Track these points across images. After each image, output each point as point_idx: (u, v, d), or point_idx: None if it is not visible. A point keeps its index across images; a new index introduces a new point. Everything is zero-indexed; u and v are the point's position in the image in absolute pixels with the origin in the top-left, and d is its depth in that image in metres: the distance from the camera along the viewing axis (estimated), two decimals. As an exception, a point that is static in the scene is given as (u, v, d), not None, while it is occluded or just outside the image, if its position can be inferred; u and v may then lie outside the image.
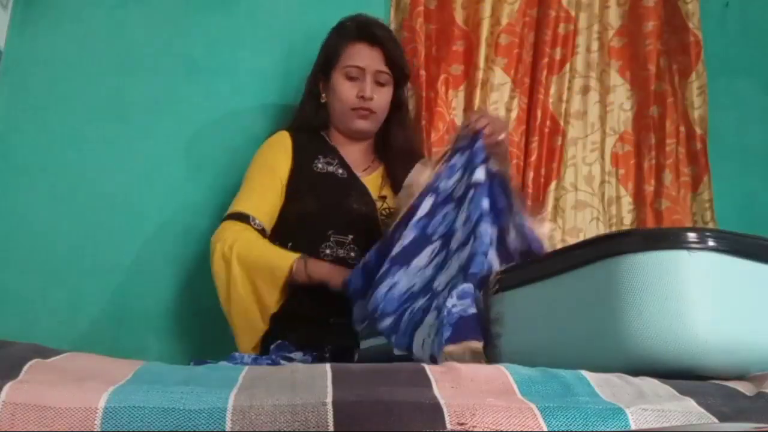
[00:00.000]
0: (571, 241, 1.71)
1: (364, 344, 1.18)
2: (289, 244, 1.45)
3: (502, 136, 1.23)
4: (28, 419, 0.46)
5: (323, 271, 1.38)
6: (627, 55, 1.89)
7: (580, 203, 1.79)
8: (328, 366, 0.57)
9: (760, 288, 0.66)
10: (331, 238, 1.45)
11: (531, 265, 0.86)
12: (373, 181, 1.58)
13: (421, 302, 1.05)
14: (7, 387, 0.48)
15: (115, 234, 1.68)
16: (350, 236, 1.46)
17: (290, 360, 1.32)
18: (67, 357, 0.61)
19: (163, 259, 1.69)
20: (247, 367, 0.59)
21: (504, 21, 1.82)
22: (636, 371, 0.61)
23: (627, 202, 1.82)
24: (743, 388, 0.60)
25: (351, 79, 1.55)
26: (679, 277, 0.63)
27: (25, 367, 0.54)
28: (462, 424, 0.47)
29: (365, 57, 1.55)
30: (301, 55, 1.73)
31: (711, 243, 0.64)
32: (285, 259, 1.40)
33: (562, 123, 1.82)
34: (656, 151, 1.83)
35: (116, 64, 1.74)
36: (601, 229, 1.77)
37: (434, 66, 1.81)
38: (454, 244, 1.07)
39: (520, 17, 1.84)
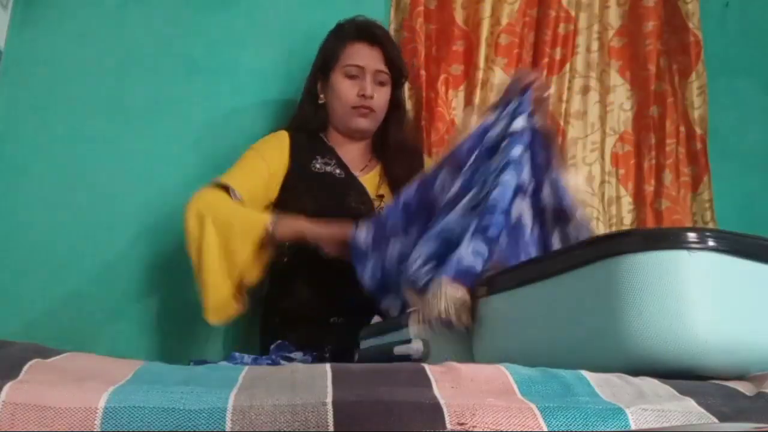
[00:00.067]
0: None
1: (364, 344, 1.18)
2: (286, 243, 1.45)
3: (547, 93, 1.22)
4: (28, 419, 0.46)
5: (302, 224, 1.38)
6: (627, 55, 1.89)
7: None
8: (328, 366, 0.56)
9: (760, 288, 0.66)
10: None
11: (530, 265, 0.86)
12: (370, 180, 1.58)
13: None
14: (7, 387, 0.48)
15: (115, 234, 1.68)
16: None
17: (290, 360, 1.32)
18: (67, 357, 0.61)
19: (163, 259, 1.69)
20: (247, 367, 0.59)
21: (504, 21, 1.82)
22: (636, 371, 0.61)
23: (627, 202, 1.82)
24: (743, 388, 0.60)
25: (351, 78, 1.55)
26: (679, 277, 0.63)
27: (25, 367, 0.54)
28: (462, 424, 0.47)
29: (365, 56, 1.55)
30: (300, 55, 1.73)
31: (711, 243, 0.64)
32: (262, 216, 1.40)
33: (562, 123, 1.82)
34: (656, 151, 1.83)
35: (116, 64, 1.74)
36: (601, 229, 1.77)
37: (434, 66, 1.81)
38: (482, 191, 1.05)
39: (520, 17, 1.84)
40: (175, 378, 0.55)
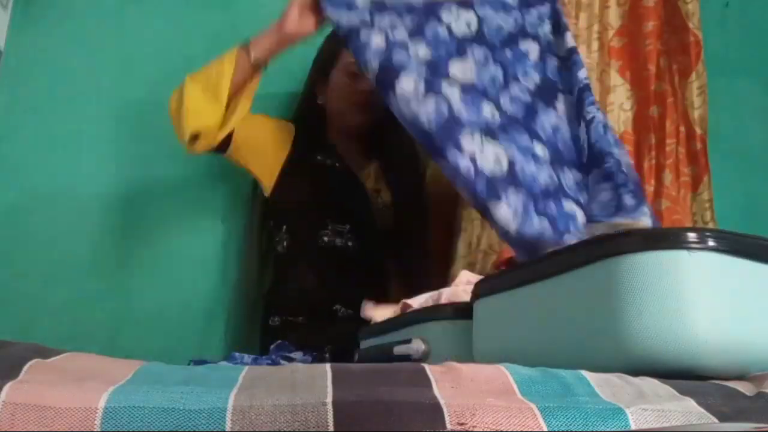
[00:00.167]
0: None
1: (364, 344, 1.18)
2: (284, 227, 1.46)
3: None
4: (28, 419, 0.46)
5: (272, 33, 1.37)
6: (627, 55, 1.89)
7: (580, 203, 1.79)
8: (328, 366, 0.56)
9: (760, 288, 0.66)
10: (329, 227, 1.48)
11: (530, 266, 0.86)
12: (368, 176, 1.61)
13: None
14: (7, 387, 0.48)
15: (114, 234, 1.68)
16: (348, 226, 1.49)
17: (290, 360, 1.33)
18: (67, 357, 0.61)
19: (162, 259, 1.69)
20: (247, 367, 0.59)
21: (504, 21, 1.82)
22: (636, 371, 0.61)
23: (627, 202, 1.82)
24: (743, 388, 0.60)
25: (352, 76, 1.57)
26: (679, 277, 0.63)
27: (25, 367, 0.54)
28: (462, 424, 0.47)
29: (365, 55, 1.56)
30: (300, 54, 1.73)
31: (711, 243, 0.64)
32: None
33: (562, 123, 1.82)
34: (656, 151, 1.83)
35: (116, 64, 1.74)
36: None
37: (434, 65, 1.81)
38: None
39: (520, 17, 1.84)
40: (175, 378, 0.55)
